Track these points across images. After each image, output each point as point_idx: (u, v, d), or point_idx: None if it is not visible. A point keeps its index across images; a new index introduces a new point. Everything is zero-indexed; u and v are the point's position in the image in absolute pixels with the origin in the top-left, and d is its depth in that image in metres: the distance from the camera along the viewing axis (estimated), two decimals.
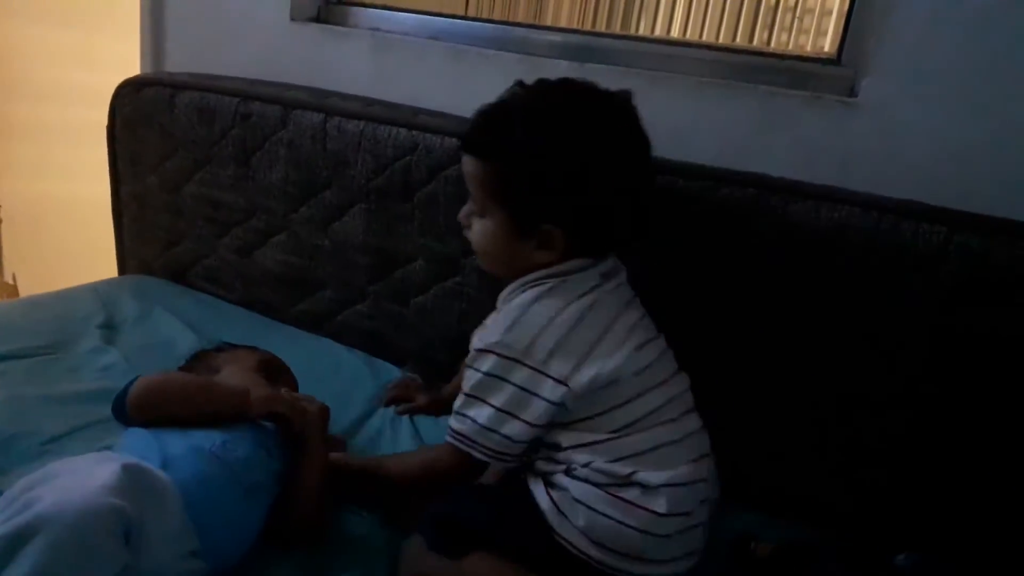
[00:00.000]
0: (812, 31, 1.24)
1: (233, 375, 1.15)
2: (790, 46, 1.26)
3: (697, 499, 0.95)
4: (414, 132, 1.37)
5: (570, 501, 0.92)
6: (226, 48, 1.75)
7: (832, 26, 1.18)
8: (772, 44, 1.26)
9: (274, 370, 1.21)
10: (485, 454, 0.95)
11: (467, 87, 1.45)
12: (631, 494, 0.91)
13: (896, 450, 1.10)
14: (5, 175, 2.45)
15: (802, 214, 1.09)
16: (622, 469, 0.92)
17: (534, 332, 0.93)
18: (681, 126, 1.26)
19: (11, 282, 2.55)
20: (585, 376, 0.92)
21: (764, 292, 1.13)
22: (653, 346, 1.00)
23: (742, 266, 1.13)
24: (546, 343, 0.93)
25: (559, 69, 1.36)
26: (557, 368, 0.92)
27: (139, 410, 1.01)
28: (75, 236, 2.33)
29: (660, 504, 0.91)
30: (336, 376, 1.41)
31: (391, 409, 1.34)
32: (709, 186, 1.14)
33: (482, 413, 0.94)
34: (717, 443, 1.01)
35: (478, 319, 1.35)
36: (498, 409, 0.94)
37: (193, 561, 0.85)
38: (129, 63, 1.87)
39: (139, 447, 0.94)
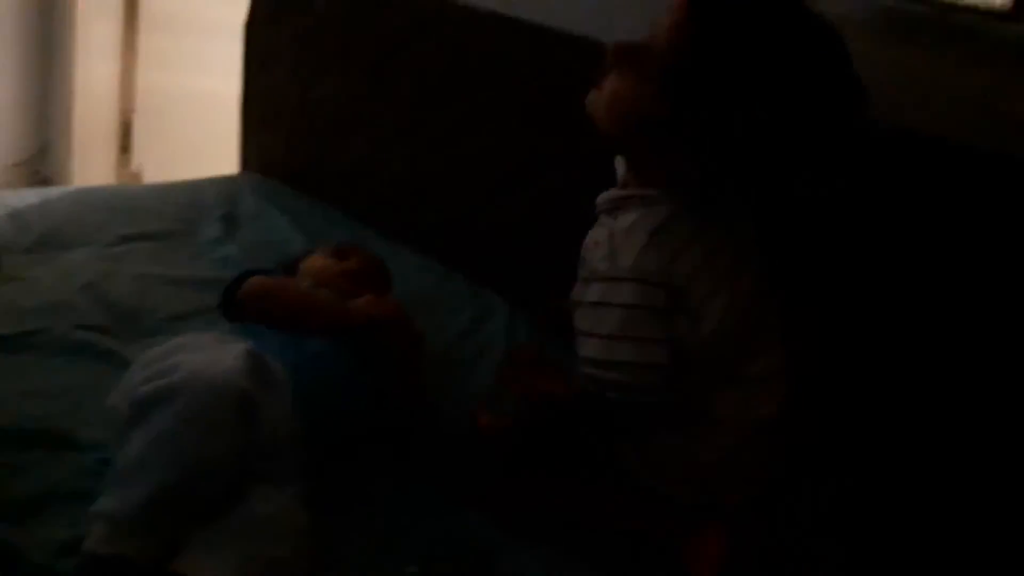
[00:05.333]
0: None
1: (312, 266, 1.20)
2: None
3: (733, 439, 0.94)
4: (550, 48, 1.33)
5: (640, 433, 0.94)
6: None
7: None
8: None
9: (343, 252, 1.24)
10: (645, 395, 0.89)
11: (602, 11, 1.41)
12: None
13: None
14: (142, 67, 2.55)
15: None
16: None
17: (669, 255, 0.86)
18: None
19: (137, 171, 2.67)
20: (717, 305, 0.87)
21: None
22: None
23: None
24: (684, 266, 0.87)
25: None
26: (697, 292, 0.87)
27: (246, 310, 1.06)
28: (201, 131, 2.41)
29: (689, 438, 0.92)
30: (435, 299, 1.41)
31: (481, 341, 1.32)
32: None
33: (636, 350, 0.87)
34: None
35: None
36: (645, 339, 0.87)
37: (298, 446, 0.90)
38: None
39: (255, 337, 0.98)
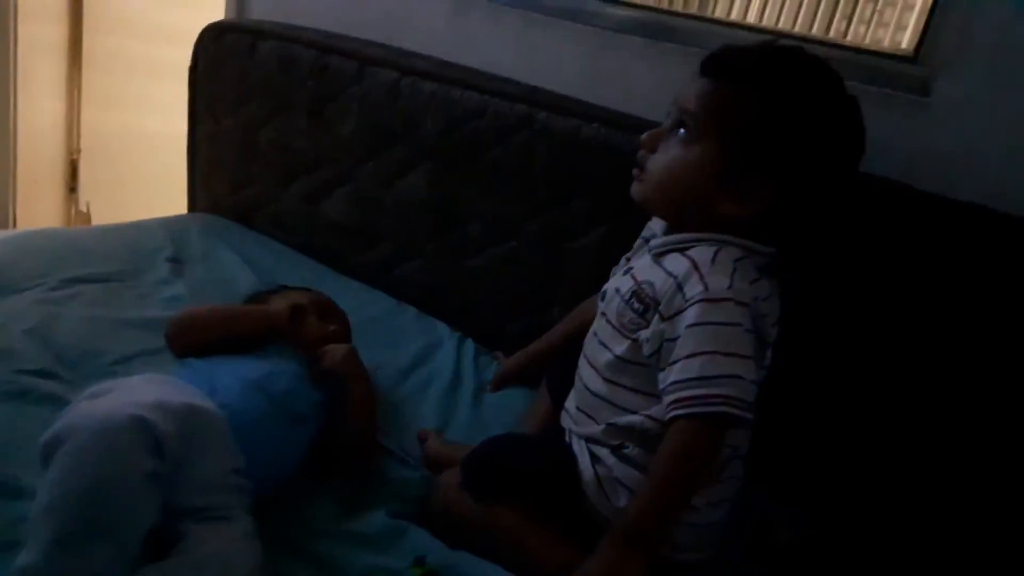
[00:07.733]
0: (892, 25, 1.22)
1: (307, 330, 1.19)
2: (867, 39, 1.25)
3: (734, 491, 0.97)
4: (485, 96, 1.40)
5: (613, 481, 0.93)
6: None
7: (913, 22, 1.16)
8: (849, 35, 1.25)
9: (325, 310, 1.25)
10: (748, 413, 0.84)
11: (539, 57, 1.47)
12: None
13: None
14: (87, 106, 2.54)
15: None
16: None
17: (750, 283, 0.89)
18: None
19: (84, 210, 2.65)
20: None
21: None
22: None
23: None
24: (760, 297, 0.91)
25: (632, 44, 1.36)
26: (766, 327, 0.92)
27: (175, 339, 1.11)
28: (148, 170, 2.41)
29: (701, 498, 0.91)
30: (385, 329, 1.45)
31: (431, 368, 1.35)
32: None
33: (743, 366, 0.85)
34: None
35: (529, 285, 1.40)
36: (748, 357, 0.86)
37: (239, 478, 0.91)
38: (215, 5, 1.92)
39: (191, 375, 1.01)
